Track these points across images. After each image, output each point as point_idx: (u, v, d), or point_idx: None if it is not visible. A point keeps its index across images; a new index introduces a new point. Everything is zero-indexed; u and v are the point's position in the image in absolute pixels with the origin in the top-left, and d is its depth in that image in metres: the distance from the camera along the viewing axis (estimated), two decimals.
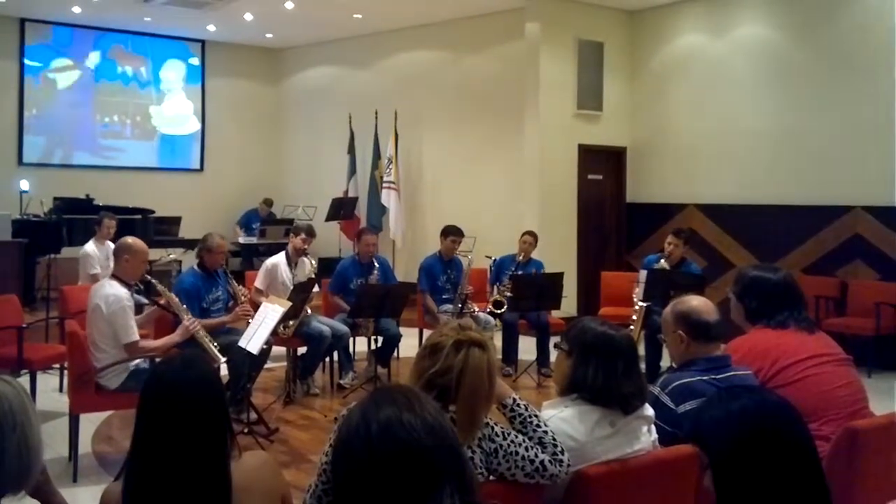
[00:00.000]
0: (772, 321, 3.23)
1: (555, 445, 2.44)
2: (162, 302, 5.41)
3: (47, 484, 2.09)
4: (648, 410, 2.66)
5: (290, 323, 6.50)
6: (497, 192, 10.69)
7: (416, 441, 1.52)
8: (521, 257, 7.86)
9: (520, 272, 7.66)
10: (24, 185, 10.73)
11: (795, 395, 2.81)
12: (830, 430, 2.94)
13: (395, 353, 7.42)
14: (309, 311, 6.85)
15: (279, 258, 7.12)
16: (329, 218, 11.54)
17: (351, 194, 12.03)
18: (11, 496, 1.90)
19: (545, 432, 2.45)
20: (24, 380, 5.81)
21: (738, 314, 3.39)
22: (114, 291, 4.95)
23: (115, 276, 5.11)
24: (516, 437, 2.43)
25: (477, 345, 2.35)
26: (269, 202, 13.13)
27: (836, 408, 3.04)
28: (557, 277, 7.56)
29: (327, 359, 7.15)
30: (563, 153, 10.03)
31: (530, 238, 7.95)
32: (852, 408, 3.09)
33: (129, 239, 5.27)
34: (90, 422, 5.56)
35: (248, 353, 5.41)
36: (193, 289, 5.97)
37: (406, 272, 10.39)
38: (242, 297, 6.08)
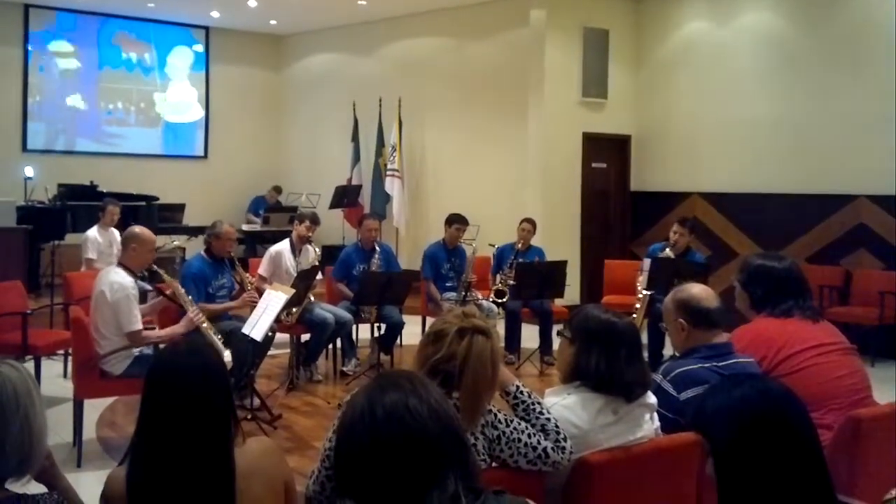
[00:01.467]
0: (776, 310, 3.23)
1: (557, 432, 2.44)
2: (168, 292, 5.42)
3: (53, 468, 2.10)
4: (651, 398, 2.66)
5: (294, 310, 6.51)
6: (501, 181, 10.67)
7: (422, 427, 1.51)
8: (520, 245, 7.86)
9: (520, 260, 7.66)
10: (29, 171, 10.74)
11: (799, 384, 2.81)
12: (834, 418, 2.94)
13: (398, 341, 7.43)
14: (312, 298, 6.85)
15: (283, 245, 7.13)
16: (333, 205, 11.54)
17: (355, 182, 12.03)
18: (15, 480, 1.91)
19: (548, 419, 2.46)
20: (29, 365, 5.82)
21: (742, 302, 3.39)
22: (119, 279, 4.96)
23: (121, 264, 5.13)
24: (519, 424, 2.44)
25: (481, 332, 2.35)
26: (278, 189, 13.13)
27: (839, 397, 3.04)
28: (561, 265, 7.56)
29: (330, 346, 7.17)
30: (568, 141, 10.02)
31: (528, 225, 7.93)
32: (856, 397, 3.09)
33: (137, 228, 5.29)
34: (94, 407, 5.58)
35: (252, 339, 5.42)
36: (200, 273, 6.03)
37: (409, 260, 10.38)
38: (249, 285, 6.10)
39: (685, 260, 7.28)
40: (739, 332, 3.23)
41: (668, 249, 7.31)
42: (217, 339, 5.27)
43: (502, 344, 7.62)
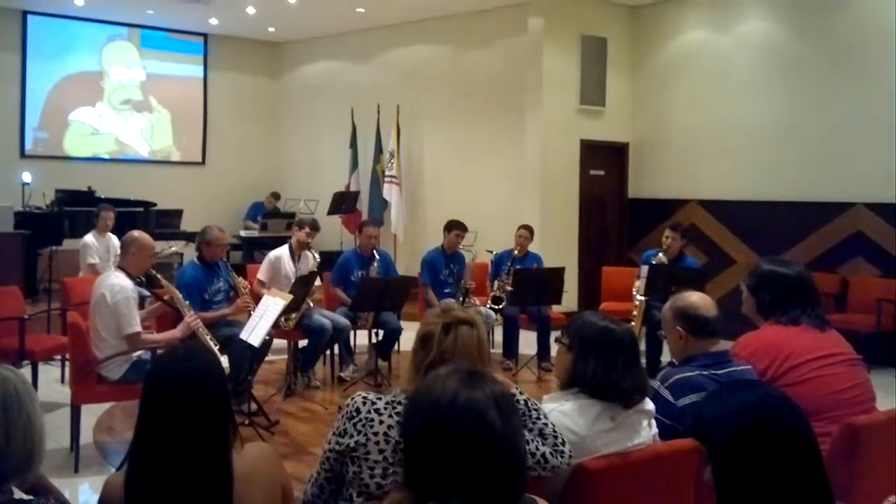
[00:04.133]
0: (784, 317, 3.20)
1: (555, 437, 2.44)
2: (166, 297, 5.42)
3: (44, 480, 2.11)
4: (649, 405, 2.66)
5: (293, 316, 6.51)
6: (499, 187, 10.69)
7: (488, 440, 1.58)
8: (517, 251, 7.86)
9: (518, 266, 7.67)
10: (27, 177, 10.74)
11: (805, 395, 2.80)
12: (837, 429, 2.92)
13: (396, 347, 7.44)
14: (311, 304, 6.85)
15: (283, 251, 7.13)
16: (331, 212, 11.54)
17: (353, 188, 12.04)
18: (16, 481, 1.92)
19: (545, 424, 2.46)
20: (26, 371, 5.82)
21: (749, 307, 3.35)
22: (119, 282, 4.98)
23: (120, 268, 5.14)
24: None
25: (464, 322, 2.37)
26: (276, 196, 13.15)
27: (843, 408, 3.02)
28: (558, 272, 7.57)
29: (328, 352, 7.17)
30: (565, 148, 10.03)
31: (526, 232, 7.94)
32: (859, 408, 3.06)
33: (136, 233, 5.30)
34: (92, 412, 5.57)
35: (250, 345, 5.42)
36: (194, 282, 5.97)
37: (407, 266, 10.39)
38: (243, 290, 6.08)
39: (680, 265, 7.28)
40: (745, 339, 3.20)
41: (661, 254, 7.31)
42: (213, 345, 5.27)
43: (500, 350, 7.64)
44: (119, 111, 12.95)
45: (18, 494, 1.96)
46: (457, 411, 1.58)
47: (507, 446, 1.58)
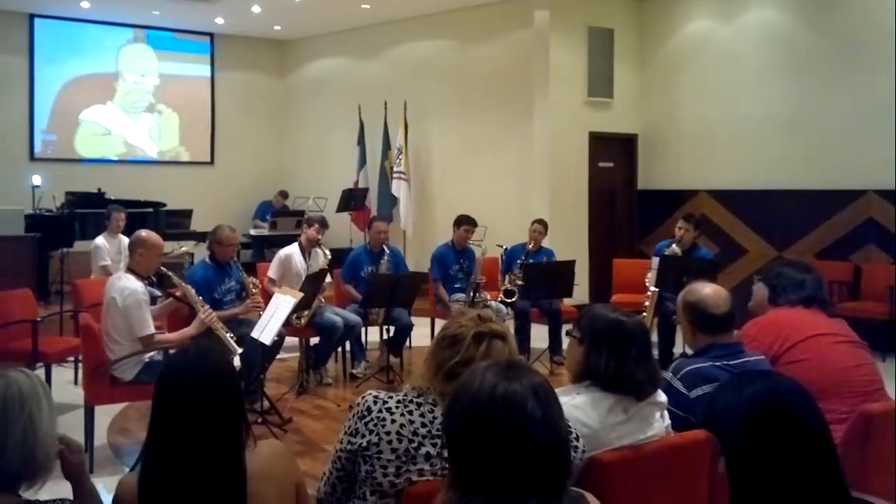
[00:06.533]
0: (794, 296, 3.28)
1: (569, 431, 2.43)
2: (178, 294, 5.43)
3: (82, 466, 2.11)
4: (661, 396, 2.65)
5: (304, 313, 6.53)
6: (508, 181, 10.67)
7: (528, 430, 1.58)
8: (531, 246, 7.85)
9: (531, 261, 7.66)
10: (37, 179, 10.77)
11: (811, 371, 2.83)
12: (846, 407, 2.93)
13: (408, 343, 7.43)
14: (322, 301, 6.86)
15: (293, 249, 7.14)
16: (340, 209, 11.55)
17: (361, 185, 12.04)
18: (27, 485, 1.92)
19: None
20: (40, 373, 5.83)
21: (761, 298, 3.44)
22: (129, 284, 4.97)
23: (129, 269, 5.13)
24: None
25: (498, 336, 2.33)
26: (284, 194, 13.15)
27: (851, 386, 3.05)
28: (569, 265, 7.55)
29: (340, 349, 7.18)
30: (574, 141, 10.01)
31: (540, 227, 7.93)
32: (868, 388, 3.08)
33: (144, 233, 5.29)
34: (105, 413, 5.58)
35: (261, 343, 5.42)
36: (204, 281, 5.95)
37: (417, 262, 10.39)
38: (253, 289, 6.07)
39: (693, 256, 7.26)
40: (751, 321, 3.27)
41: (674, 245, 7.29)
42: (230, 338, 5.27)
43: None
44: (127, 112, 12.98)
45: (35, 495, 1.96)
46: (496, 404, 1.58)
47: (548, 436, 1.58)
